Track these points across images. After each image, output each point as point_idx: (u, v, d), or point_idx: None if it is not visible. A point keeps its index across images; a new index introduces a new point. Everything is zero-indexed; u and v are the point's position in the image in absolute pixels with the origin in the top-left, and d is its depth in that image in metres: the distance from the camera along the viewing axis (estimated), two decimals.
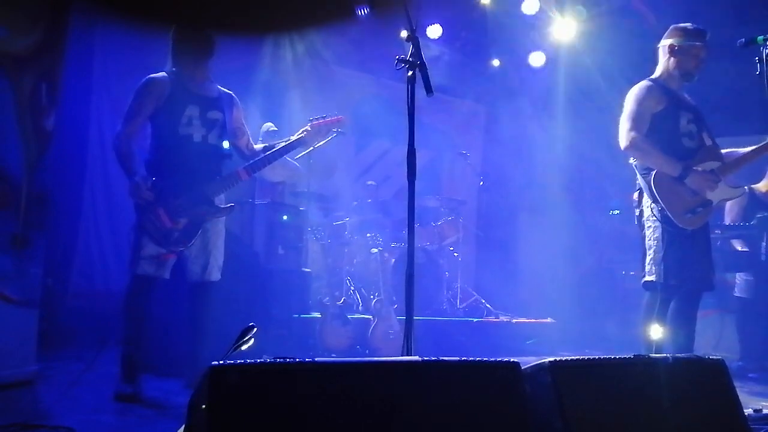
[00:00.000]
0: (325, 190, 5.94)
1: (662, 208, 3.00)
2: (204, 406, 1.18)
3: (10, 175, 3.12)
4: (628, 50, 5.89)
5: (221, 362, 1.22)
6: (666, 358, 1.76)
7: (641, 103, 3.09)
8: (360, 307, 5.18)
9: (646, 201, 3.11)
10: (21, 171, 3.18)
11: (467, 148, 7.16)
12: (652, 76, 3.22)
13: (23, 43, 3.18)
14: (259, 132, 5.22)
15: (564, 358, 1.60)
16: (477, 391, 1.44)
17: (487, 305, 5.95)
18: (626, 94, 3.20)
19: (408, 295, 2.26)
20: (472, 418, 1.41)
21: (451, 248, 6.11)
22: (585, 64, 6.79)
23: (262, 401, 1.22)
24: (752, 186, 4.72)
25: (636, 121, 3.08)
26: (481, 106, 8.36)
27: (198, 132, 3.10)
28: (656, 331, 2.98)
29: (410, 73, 2.34)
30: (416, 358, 1.45)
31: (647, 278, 3.08)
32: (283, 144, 3.28)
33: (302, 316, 4.68)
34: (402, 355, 2.22)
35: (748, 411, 1.89)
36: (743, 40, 2.92)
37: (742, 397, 1.84)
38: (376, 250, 5.45)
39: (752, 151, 3.15)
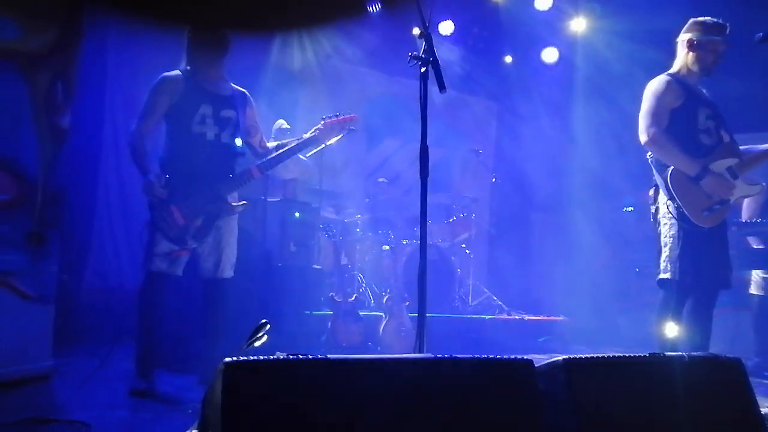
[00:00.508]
0: (337, 188, 5.95)
1: (678, 205, 2.97)
2: (218, 402, 1.18)
3: (27, 173, 3.16)
4: (643, 45, 5.83)
5: (235, 358, 1.22)
6: (682, 357, 1.74)
7: (660, 98, 3.05)
8: (371, 304, 5.18)
9: (663, 198, 3.07)
10: (37, 169, 3.21)
11: (480, 145, 7.13)
12: (670, 71, 3.17)
13: (38, 42, 3.22)
14: (271, 129, 5.24)
15: (578, 356, 1.58)
16: (490, 389, 1.43)
17: (500, 302, 5.93)
18: (641, 89, 3.16)
19: (420, 292, 2.25)
20: (485, 416, 1.40)
21: (464, 245, 6.10)
22: (598, 59, 6.74)
23: (275, 397, 1.22)
24: None
25: (656, 117, 3.04)
26: (493, 102, 8.32)
27: (211, 130, 3.11)
28: (672, 330, 2.94)
29: (423, 69, 2.33)
30: (429, 355, 1.45)
31: (662, 276, 3.04)
32: (296, 142, 3.29)
33: (314, 312, 4.69)
34: (414, 352, 2.22)
35: (764, 410, 1.87)
36: (761, 34, 2.87)
37: (759, 395, 1.81)
38: (387, 248, 5.45)
39: None
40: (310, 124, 3.39)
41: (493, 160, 8.01)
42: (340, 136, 3.49)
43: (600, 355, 1.65)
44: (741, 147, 3.14)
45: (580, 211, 6.95)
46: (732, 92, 3.93)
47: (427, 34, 2.36)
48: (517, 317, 5.76)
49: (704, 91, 3.19)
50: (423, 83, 2.33)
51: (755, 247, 4.68)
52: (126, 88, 5.14)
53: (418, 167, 2.31)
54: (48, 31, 3.27)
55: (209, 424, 1.23)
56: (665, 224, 3.06)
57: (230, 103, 3.20)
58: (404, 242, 5.54)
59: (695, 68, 3.11)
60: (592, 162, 6.93)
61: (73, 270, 4.69)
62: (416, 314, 2.28)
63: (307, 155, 4.63)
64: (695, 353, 1.83)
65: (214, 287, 3.22)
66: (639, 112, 3.13)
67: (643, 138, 3.07)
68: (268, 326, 1.68)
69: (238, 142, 3.27)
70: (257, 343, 1.66)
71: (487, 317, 5.60)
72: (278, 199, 4.98)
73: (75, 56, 3.45)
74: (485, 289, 6.12)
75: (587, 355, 1.61)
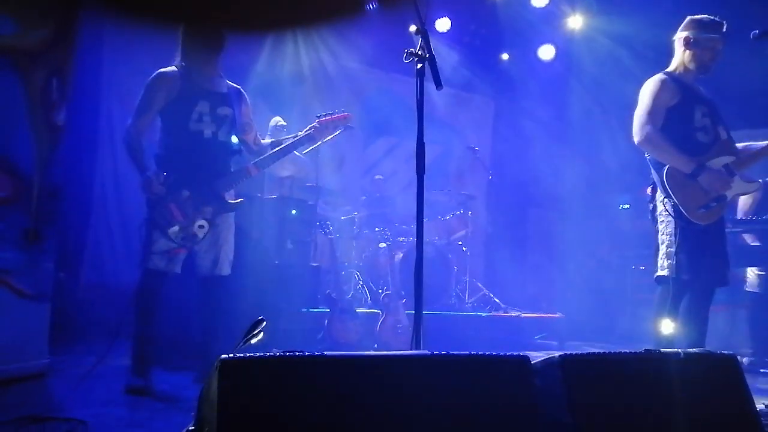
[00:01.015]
0: (333, 185, 5.94)
1: (675, 203, 2.98)
2: (214, 399, 1.18)
3: (22, 170, 3.15)
4: (640, 43, 5.84)
5: (231, 355, 1.22)
6: (677, 354, 1.75)
7: (656, 97, 3.06)
8: (368, 302, 5.18)
9: (660, 196, 3.08)
10: (32, 166, 3.20)
11: (476, 142, 7.14)
12: (667, 69, 3.18)
13: (34, 38, 3.20)
14: (267, 126, 5.23)
15: (574, 353, 1.59)
16: (487, 386, 1.44)
17: (496, 300, 5.94)
18: (638, 87, 3.17)
19: (417, 290, 2.25)
20: (481, 413, 1.40)
21: (460, 243, 6.10)
22: (595, 57, 6.74)
23: (271, 394, 1.22)
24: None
25: (651, 115, 3.04)
26: (490, 100, 8.32)
27: (208, 128, 3.11)
28: (668, 326, 2.96)
29: (419, 66, 2.33)
30: (426, 352, 1.45)
31: (660, 273, 3.05)
32: (291, 140, 3.29)
33: (311, 310, 4.70)
34: (411, 350, 2.22)
35: (760, 406, 1.88)
36: (757, 31, 2.88)
37: (754, 392, 1.82)
38: (384, 245, 5.45)
39: None
40: (306, 121, 3.39)
41: (490, 157, 8.02)
42: (335, 134, 3.49)
43: (596, 352, 1.65)
44: (739, 145, 3.15)
45: (576, 209, 6.97)
46: (730, 89, 3.94)
47: (424, 31, 2.36)
48: (513, 314, 5.77)
49: (701, 88, 3.19)
50: (419, 80, 2.33)
51: (751, 244, 4.69)
52: (122, 85, 5.12)
53: (415, 164, 2.31)
54: (44, 27, 3.25)
55: (206, 421, 1.23)
56: (662, 222, 3.06)
57: (227, 101, 3.19)
58: (401, 239, 5.54)
59: (692, 66, 3.12)
60: (588, 159, 6.94)
61: (70, 267, 4.68)
62: (413, 311, 2.28)
63: (304, 153, 4.63)
64: (691, 350, 1.83)
65: (212, 284, 3.22)
66: (635, 110, 3.14)
67: (637, 138, 3.07)
68: (265, 323, 1.68)
69: (235, 139, 3.27)
70: (254, 341, 1.66)
71: (484, 314, 5.61)
72: (275, 197, 4.97)
73: (71, 53, 3.44)
74: (482, 287, 6.12)
75: (583, 352, 1.62)
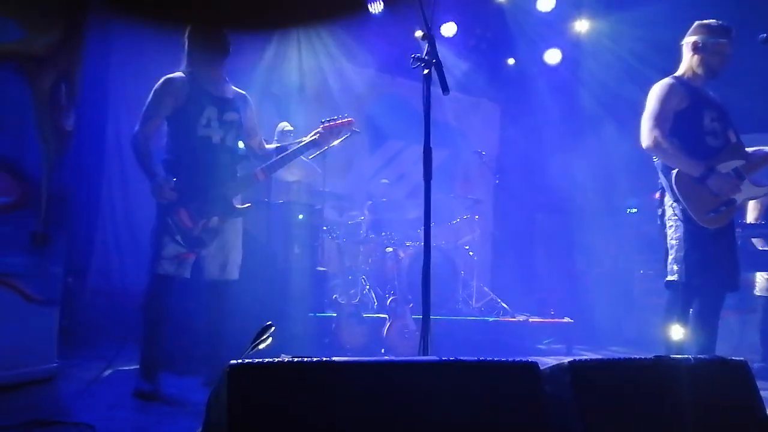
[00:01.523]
0: (340, 190, 5.95)
1: (684, 207, 2.96)
2: (223, 404, 1.18)
3: (31, 175, 3.17)
4: (647, 47, 5.82)
5: (240, 361, 1.22)
6: (688, 359, 1.73)
7: (664, 101, 3.04)
8: (375, 306, 5.18)
9: (668, 200, 3.06)
10: (41, 170, 3.22)
11: (483, 146, 7.12)
12: (675, 74, 3.17)
13: (42, 43, 3.22)
14: (274, 131, 5.24)
15: (584, 359, 1.57)
16: (495, 392, 1.43)
17: (503, 304, 5.91)
18: (646, 91, 3.16)
19: (424, 294, 2.25)
20: (490, 419, 1.40)
21: (467, 247, 6.09)
22: (601, 60, 6.73)
23: (280, 400, 1.22)
24: None
25: (658, 120, 3.03)
26: (496, 104, 8.31)
27: (216, 134, 3.12)
28: (677, 332, 2.93)
29: (426, 71, 2.33)
30: (434, 357, 1.44)
31: (669, 278, 3.03)
32: (297, 146, 3.30)
33: (318, 314, 4.69)
34: (419, 355, 2.21)
35: None
36: (765, 35, 2.86)
37: (766, 399, 1.80)
38: (390, 249, 5.45)
39: None
40: (313, 126, 3.40)
41: (497, 161, 8.01)
42: (342, 139, 3.50)
43: (606, 358, 1.64)
44: (749, 149, 3.13)
45: (584, 213, 6.94)
46: (739, 93, 3.92)
47: (430, 36, 2.36)
48: (521, 319, 5.74)
49: (710, 92, 3.18)
50: (426, 85, 2.33)
51: (761, 248, 4.66)
52: (129, 90, 5.15)
53: (422, 169, 2.31)
54: (51, 32, 3.28)
55: (215, 426, 1.23)
56: (671, 226, 3.04)
57: (233, 106, 3.21)
58: (407, 244, 5.53)
59: (700, 71, 3.10)
60: (595, 163, 6.92)
61: (78, 272, 4.70)
62: (420, 316, 2.28)
63: (310, 157, 4.64)
64: (701, 356, 1.82)
65: (220, 289, 3.23)
66: (643, 114, 3.13)
67: (645, 142, 3.06)
68: (273, 328, 1.68)
69: (241, 145, 3.29)
70: (262, 346, 1.66)
71: (491, 319, 5.59)
72: (282, 201, 4.98)
73: (78, 58, 3.46)
74: (489, 291, 6.10)
75: (593, 358, 1.61)
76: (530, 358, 1.53)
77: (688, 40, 3.14)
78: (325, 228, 5.08)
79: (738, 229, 4.55)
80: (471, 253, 6.04)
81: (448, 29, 6.91)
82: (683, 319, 2.95)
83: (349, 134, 3.53)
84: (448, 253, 5.75)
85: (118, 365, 3.37)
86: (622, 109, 5.79)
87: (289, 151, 3.29)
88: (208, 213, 3.09)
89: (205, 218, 3.08)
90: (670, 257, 3.03)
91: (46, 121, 3.26)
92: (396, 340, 4.47)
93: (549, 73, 7.31)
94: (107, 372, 3.28)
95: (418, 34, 2.43)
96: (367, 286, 5.36)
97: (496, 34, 7.28)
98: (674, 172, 2.99)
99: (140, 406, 2.88)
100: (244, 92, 3.33)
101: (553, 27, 6.95)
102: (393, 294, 4.69)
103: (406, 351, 4.37)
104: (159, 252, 3.02)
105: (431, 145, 2.32)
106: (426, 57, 2.35)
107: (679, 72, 3.17)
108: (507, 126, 8.29)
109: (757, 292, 4.70)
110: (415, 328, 4.46)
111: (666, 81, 3.12)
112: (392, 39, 6.25)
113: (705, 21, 3.12)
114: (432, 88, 2.34)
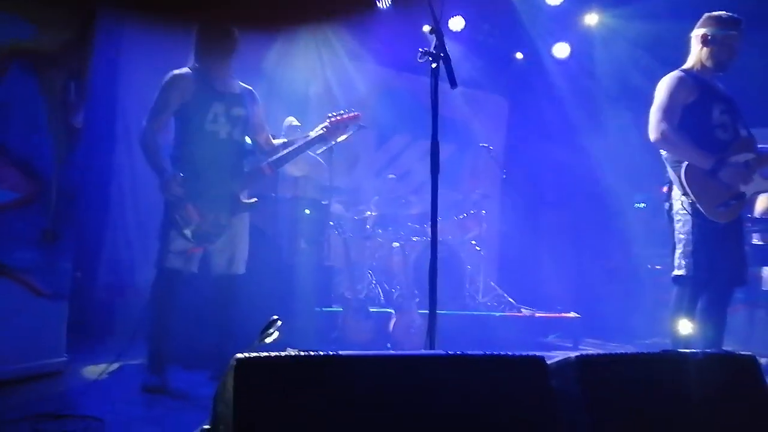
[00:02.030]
0: (346, 185, 5.95)
1: (693, 200, 2.93)
2: (230, 398, 1.19)
3: (41, 171, 3.19)
4: (656, 40, 5.77)
5: (246, 354, 1.23)
6: (695, 354, 1.73)
7: (672, 94, 3.02)
8: (381, 301, 5.18)
9: (676, 194, 3.03)
10: (51, 167, 3.24)
11: (490, 141, 7.09)
12: (684, 67, 3.14)
13: (53, 41, 3.24)
14: (281, 126, 5.25)
15: (591, 353, 1.57)
16: (502, 386, 1.43)
17: (510, 299, 5.90)
18: (654, 85, 3.13)
19: (431, 289, 2.25)
20: (497, 413, 1.40)
21: (474, 242, 6.07)
22: (610, 54, 6.68)
23: (286, 393, 1.23)
24: None
25: (667, 113, 3.00)
26: (504, 98, 8.27)
27: (224, 129, 3.14)
28: (685, 327, 2.92)
29: (434, 65, 2.32)
30: (441, 352, 1.44)
31: (677, 272, 3.01)
32: (303, 141, 3.30)
33: (324, 309, 4.70)
34: (425, 349, 2.21)
35: None
36: None
37: None
38: (397, 244, 5.45)
39: None
40: (320, 121, 3.40)
41: (504, 156, 7.97)
42: (349, 134, 3.50)
43: (613, 353, 1.63)
44: (759, 146, 3.10)
45: (591, 207, 6.91)
46: (749, 86, 3.88)
47: (438, 30, 2.35)
48: (527, 314, 5.73)
49: (720, 85, 3.15)
50: (434, 79, 2.32)
51: (755, 243, 4.63)
52: (138, 87, 5.15)
53: (429, 163, 2.30)
54: (61, 30, 3.30)
55: (221, 419, 1.24)
56: (679, 220, 3.02)
57: (240, 101, 3.22)
58: (414, 239, 5.53)
59: (709, 63, 3.07)
60: (603, 158, 6.88)
61: (87, 267, 4.73)
62: (426, 311, 2.28)
63: (317, 152, 4.64)
64: (709, 350, 1.81)
65: (227, 283, 3.25)
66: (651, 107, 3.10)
67: (652, 135, 3.03)
68: (279, 323, 1.68)
69: (248, 140, 3.30)
70: (268, 340, 1.67)
71: (498, 314, 5.58)
72: (288, 196, 4.99)
73: (88, 56, 3.48)
74: (496, 286, 6.09)
75: (600, 353, 1.60)
76: (536, 353, 1.52)
77: (697, 33, 3.11)
78: (331, 223, 5.08)
79: (749, 224, 4.54)
80: (478, 248, 6.04)
81: (456, 23, 6.88)
82: (691, 314, 2.94)
83: (356, 129, 3.53)
84: (455, 247, 5.75)
85: (126, 359, 3.39)
86: (631, 103, 5.75)
87: (296, 145, 3.29)
88: (215, 208, 3.10)
89: (213, 213, 3.09)
90: (678, 251, 3.01)
91: (57, 118, 3.28)
92: (402, 335, 4.47)
93: (557, 67, 7.27)
94: (115, 366, 3.30)
95: (426, 28, 2.43)
96: (374, 281, 5.37)
97: (504, 29, 7.24)
98: (684, 165, 2.96)
99: (148, 399, 2.90)
100: (251, 88, 3.34)
101: (562, 21, 6.91)
102: (399, 289, 4.69)
103: (413, 346, 4.37)
104: (167, 246, 3.04)
105: (438, 140, 2.32)
106: (434, 51, 2.34)
107: (688, 65, 3.14)
108: (514, 120, 8.25)
109: (765, 286, 4.67)
110: (421, 322, 4.47)
111: (675, 74, 3.09)
112: (400, 34, 6.23)
113: (714, 13, 3.09)
114: (439, 83, 2.34)
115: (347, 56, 6.68)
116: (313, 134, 3.30)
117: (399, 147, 7.48)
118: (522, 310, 5.83)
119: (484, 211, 6.07)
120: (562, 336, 5.86)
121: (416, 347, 4.33)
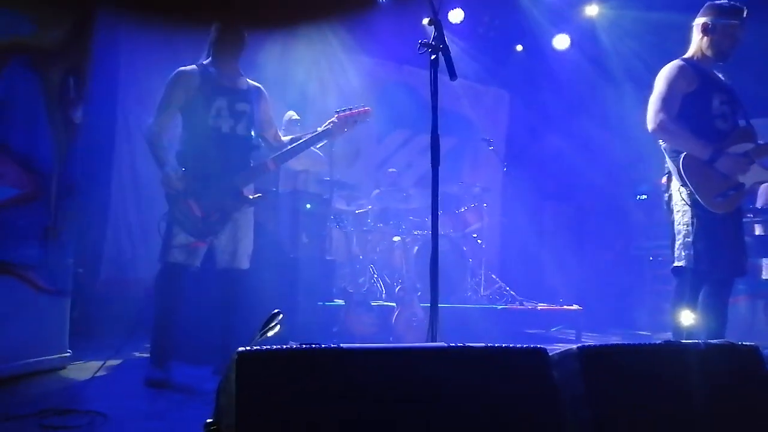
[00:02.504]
0: (347, 179, 5.94)
1: (691, 191, 2.92)
2: (232, 392, 1.19)
3: (41, 167, 3.19)
4: (656, 31, 5.75)
5: (248, 348, 1.23)
6: (698, 345, 1.72)
7: (672, 83, 3.00)
8: (383, 295, 5.19)
9: (675, 185, 3.02)
10: (51, 163, 3.24)
11: (491, 133, 7.08)
12: (685, 56, 3.11)
13: (52, 37, 3.24)
14: (281, 121, 5.24)
15: (593, 345, 1.57)
16: (504, 378, 1.43)
17: (512, 292, 5.91)
18: (654, 75, 3.11)
19: (432, 282, 2.25)
20: (499, 405, 1.40)
21: (475, 235, 6.07)
22: (610, 45, 6.66)
23: (289, 386, 1.23)
24: None
25: (665, 102, 2.98)
26: (504, 91, 8.25)
27: (226, 123, 3.14)
28: (687, 318, 2.91)
29: (433, 57, 2.32)
30: (443, 344, 1.44)
31: (677, 264, 3.00)
32: (310, 135, 3.30)
33: (326, 303, 4.71)
34: (427, 342, 2.21)
35: None
36: None
37: None
38: (398, 238, 5.45)
39: None
40: (320, 115, 3.39)
41: (505, 149, 7.96)
42: (353, 128, 3.49)
43: (615, 344, 1.63)
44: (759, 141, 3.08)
45: (593, 200, 6.91)
46: (750, 76, 3.86)
47: (437, 22, 2.34)
48: (529, 307, 5.73)
49: (720, 75, 3.13)
50: (433, 71, 2.31)
51: (757, 233, 4.62)
52: (138, 83, 5.17)
53: (429, 157, 2.30)
54: (61, 26, 3.29)
55: (224, 413, 1.24)
56: (678, 211, 3.01)
57: (245, 97, 3.23)
58: (415, 233, 5.53)
59: (710, 53, 3.05)
60: (604, 150, 6.87)
61: (89, 262, 4.75)
62: (428, 304, 2.28)
63: (318, 146, 4.64)
64: (711, 341, 1.81)
65: (230, 278, 3.25)
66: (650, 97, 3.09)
67: (650, 125, 3.01)
68: (281, 316, 1.68)
69: (253, 134, 3.30)
70: (270, 333, 1.67)
71: (500, 307, 5.58)
72: (289, 191, 4.99)
73: (88, 51, 3.48)
74: (497, 279, 6.09)
75: (602, 344, 1.60)
76: (539, 345, 1.52)
77: (698, 21, 3.09)
78: (332, 217, 5.08)
79: (750, 215, 4.53)
80: (479, 241, 6.03)
81: (456, 15, 6.85)
82: (692, 305, 2.93)
83: (360, 123, 3.52)
84: (456, 241, 5.75)
85: (129, 354, 3.40)
86: (633, 93, 5.74)
87: (302, 140, 3.29)
88: (218, 202, 3.11)
89: (215, 208, 3.10)
90: (678, 243, 3.00)
91: (56, 114, 3.28)
92: (404, 329, 4.48)
93: (557, 59, 7.25)
94: (119, 361, 3.31)
95: (425, 21, 2.41)
96: (375, 275, 5.37)
97: (503, 21, 7.22)
98: (682, 155, 2.95)
99: (152, 394, 2.91)
100: (259, 85, 3.35)
101: (562, 12, 6.88)
102: (401, 283, 4.70)
103: (415, 339, 4.38)
104: (169, 241, 3.05)
105: (439, 133, 2.31)
106: (433, 43, 2.33)
107: (689, 54, 3.12)
108: (515, 113, 8.23)
109: (765, 276, 4.67)
110: (423, 316, 4.47)
111: (675, 63, 3.07)
112: (399, 27, 6.20)
113: (716, 1, 3.06)
114: (439, 75, 2.33)
115: (348, 50, 6.66)
116: (320, 129, 3.29)
117: (400, 141, 7.47)
118: (524, 302, 5.84)
119: (485, 204, 6.07)
120: (564, 328, 5.86)
121: (418, 340, 4.34)
